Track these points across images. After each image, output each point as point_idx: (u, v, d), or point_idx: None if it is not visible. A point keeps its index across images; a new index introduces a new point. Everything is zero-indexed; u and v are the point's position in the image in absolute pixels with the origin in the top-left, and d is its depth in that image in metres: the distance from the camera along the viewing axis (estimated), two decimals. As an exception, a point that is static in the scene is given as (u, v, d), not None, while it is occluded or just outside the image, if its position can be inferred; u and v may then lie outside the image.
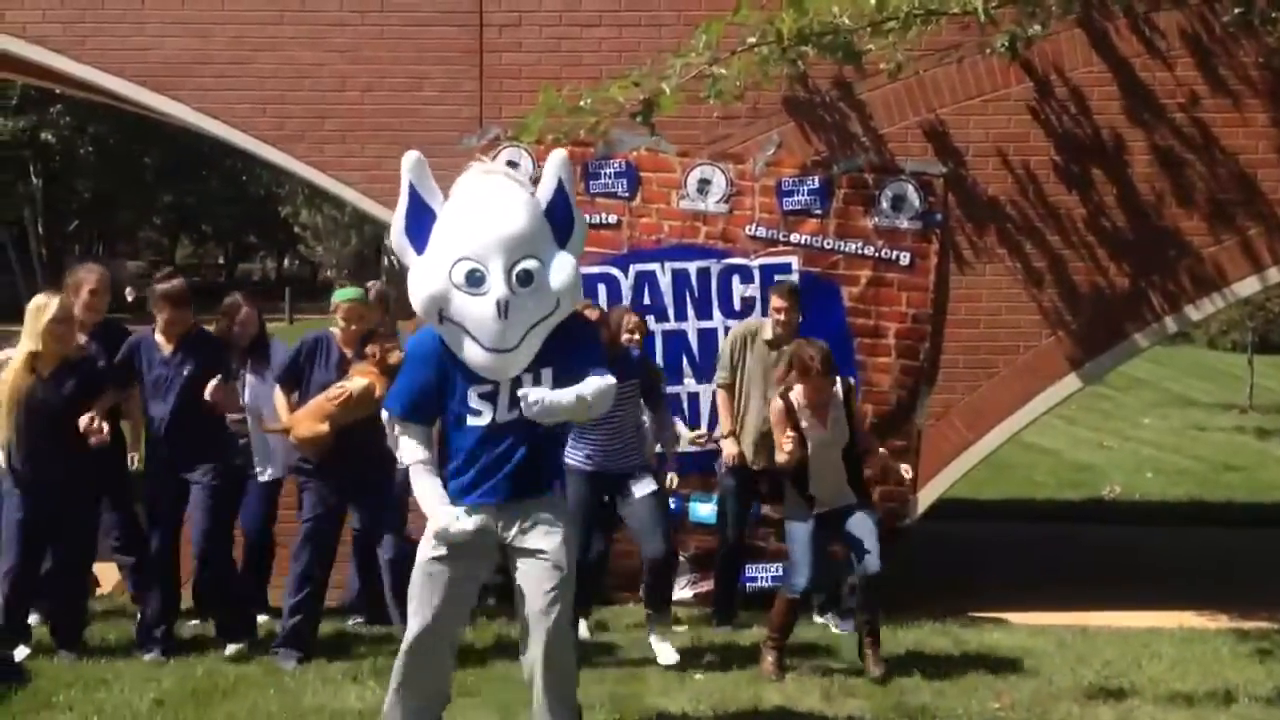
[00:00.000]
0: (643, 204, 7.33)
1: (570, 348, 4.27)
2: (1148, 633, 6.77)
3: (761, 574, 7.23)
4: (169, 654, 6.00)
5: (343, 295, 6.14)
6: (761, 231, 7.30)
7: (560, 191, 4.28)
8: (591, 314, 6.05)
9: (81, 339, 6.29)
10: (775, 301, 6.73)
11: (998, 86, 7.35)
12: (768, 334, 6.76)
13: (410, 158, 4.30)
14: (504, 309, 4.03)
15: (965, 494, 8.33)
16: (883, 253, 7.32)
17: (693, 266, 7.28)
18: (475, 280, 4.07)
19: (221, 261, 52.37)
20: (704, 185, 7.31)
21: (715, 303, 7.26)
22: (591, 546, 6.18)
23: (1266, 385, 20.82)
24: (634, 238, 7.31)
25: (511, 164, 7.33)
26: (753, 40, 5.05)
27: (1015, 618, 7.00)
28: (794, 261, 7.26)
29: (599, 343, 4.66)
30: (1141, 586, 7.88)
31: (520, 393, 4.12)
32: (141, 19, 7.49)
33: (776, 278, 7.10)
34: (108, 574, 7.50)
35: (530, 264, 4.10)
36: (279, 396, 6.09)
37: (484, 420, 4.24)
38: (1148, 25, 7.33)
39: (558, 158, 4.33)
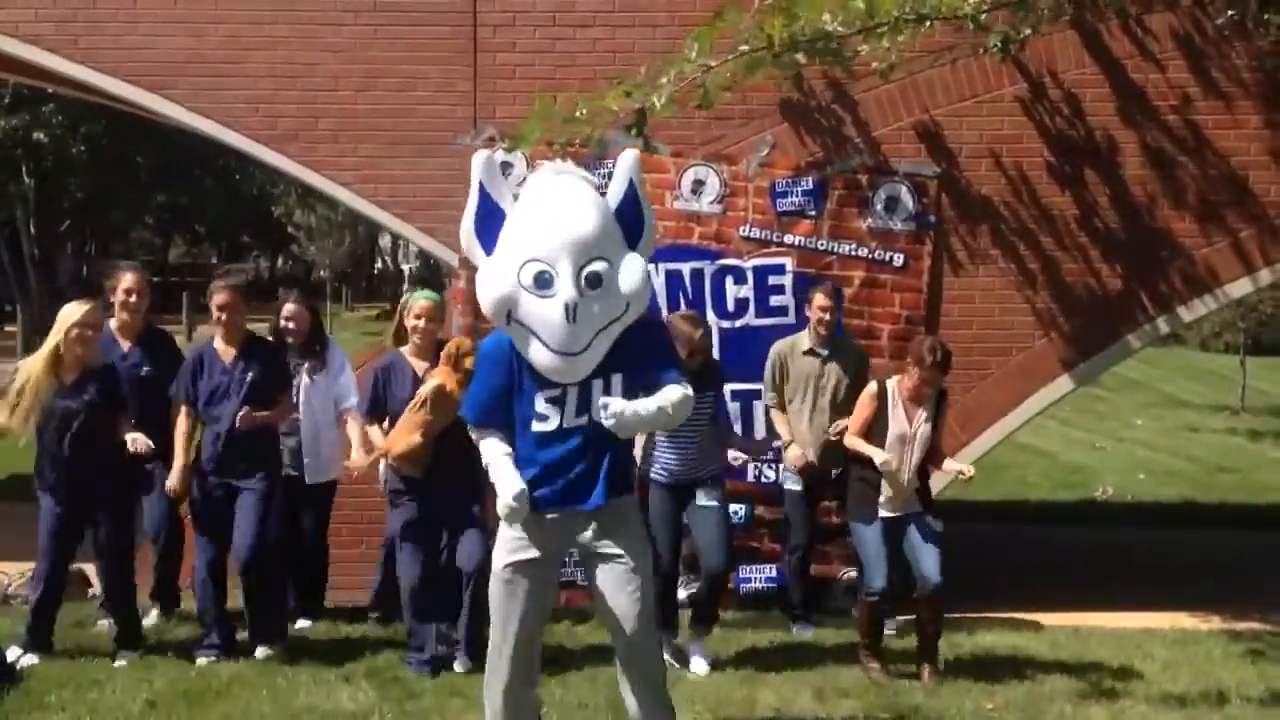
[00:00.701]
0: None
1: (642, 353, 4.18)
2: (1140, 633, 6.79)
3: (755, 575, 7.24)
4: (229, 653, 5.99)
5: (421, 296, 6.11)
6: (755, 232, 7.30)
7: (631, 192, 4.19)
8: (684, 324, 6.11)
9: (125, 345, 6.36)
10: (820, 300, 6.69)
11: (991, 88, 7.37)
12: (805, 344, 6.75)
13: (481, 157, 4.22)
14: (572, 312, 3.96)
15: (959, 495, 8.33)
16: (876, 254, 7.33)
17: (686, 267, 7.28)
18: (544, 282, 3.99)
19: (215, 261, 52.30)
20: (698, 186, 7.31)
21: (709, 304, 7.26)
22: (671, 557, 6.12)
23: (1259, 387, 20.88)
24: (628, 238, 7.30)
25: (505, 165, 7.36)
26: (745, 48, 5.04)
27: (1008, 618, 7.01)
28: (788, 263, 7.27)
29: (672, 348, 4.53)
30: (1134, 587, 7.90)
31: (601, 402, 4.04)
32: (134, 18, 7.48)
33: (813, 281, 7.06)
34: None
35: (599, 266, 4.02)
36: (371, 429, 6.08)
37: (550, 425, 4.15)
38: (1140, 27, 7.35)
39: (629, 158, 4.24)
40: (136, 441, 5.75)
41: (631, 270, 4.08)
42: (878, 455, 5.73)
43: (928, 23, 5.45)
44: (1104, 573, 8.53)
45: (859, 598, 6.04)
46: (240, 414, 5.86)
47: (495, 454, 4.20)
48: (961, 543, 6.81)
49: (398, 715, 5.29)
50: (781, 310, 7.24)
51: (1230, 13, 6.89)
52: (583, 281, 3.99)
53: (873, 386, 5.91)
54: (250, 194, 38.84)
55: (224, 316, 5.99)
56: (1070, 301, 7.36)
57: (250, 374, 5.95)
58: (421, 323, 5.97)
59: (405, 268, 42.71)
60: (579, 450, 4.15)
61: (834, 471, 6.55)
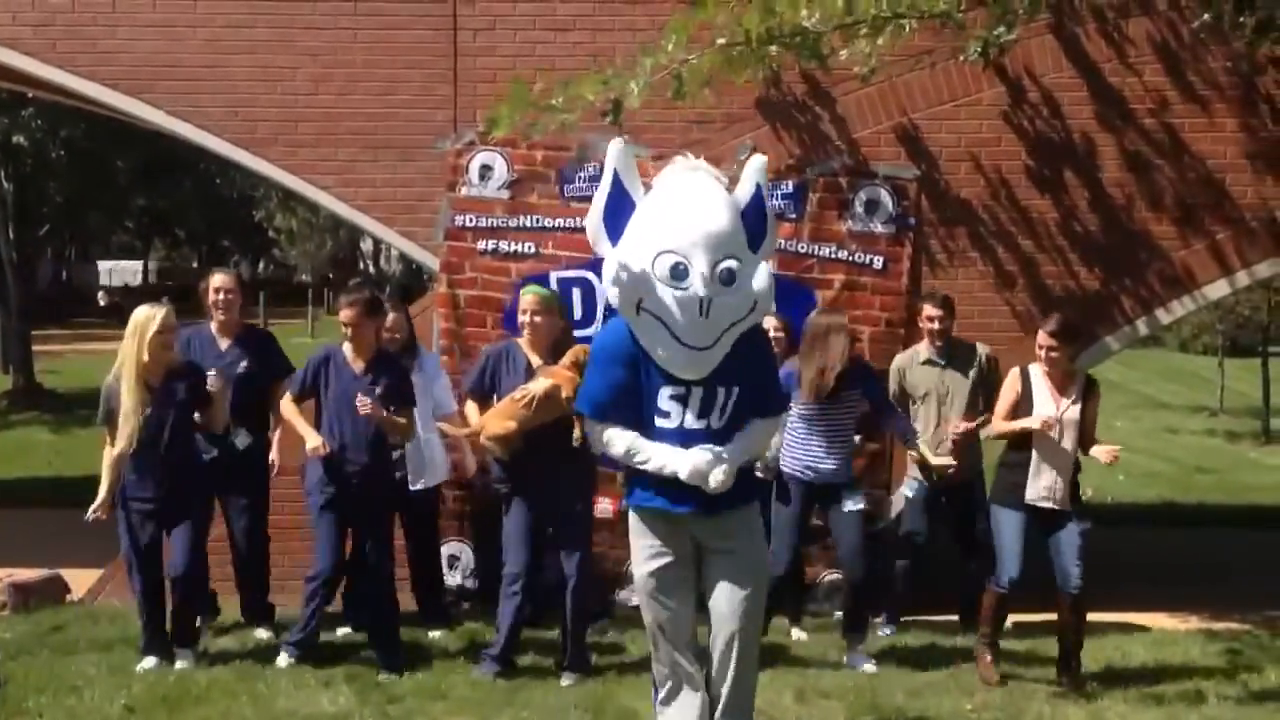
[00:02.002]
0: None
1: (756, 367, 4.19)
2: (1119, 634, 6.82)
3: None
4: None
5: (530, 290, 6.06)
6: (736, 235, 7.30)
7: (757, 196, 4.17)
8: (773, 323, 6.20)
9: (224, 344, 6.45)
10: (928, 310, 6.71)
11: (970, 91, 7.40)
12: (923, 355, 6.76)
13: (616, 145, 4.16)
14: (706, 307, 3.94)
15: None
16: (856, 256, 7.35)
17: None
18: (679, 274, 3.95)
19: (196, 265, 52.05)
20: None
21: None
22: (790, 556, 6.13)
23: (1237, 388, 21.02)
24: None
25: (485, 168, 7.36)
26: (722, 41, 5.06)
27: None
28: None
29: (774, 365, 4.54)
30: (1113, 588, 7.91)
31: (710, 486, 4.03)
32: (113, 22, 7.45)
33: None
34: (79, 580, 7.47)
35: (732, 263, 4.00)
36: (469, 406, 6.06)
37: (672, 423, 4.10)
38: (1117, 31, 7.40)
39: (757, 162, 4.23)
40: (214, 382, 5.86)
41: (760, 272, 4.07)
42: (1032, 420, 5.64)
43: (905, 23, 5.48)
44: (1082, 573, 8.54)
45: (987, 587, 5.89)
46: (368, 401, 5.76)
47: (630, 439, 4.13)
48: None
49: (379, 718, 5.28)
50: (762, 313, 7.24)
51: (1205, 16, 6.94)
52: (717, 277, 3.97)
53: (1015, 371, 5.88)
54: (231, 198, 38.67)
55: (349, 333, 5.91)
56: (1049, 303, 7.39)
57: (378, 388, 5.86)
58: (527, 317, 5.91)
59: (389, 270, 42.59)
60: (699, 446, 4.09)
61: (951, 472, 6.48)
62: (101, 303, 41.54)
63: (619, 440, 4.16)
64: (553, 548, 5.90)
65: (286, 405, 6.08)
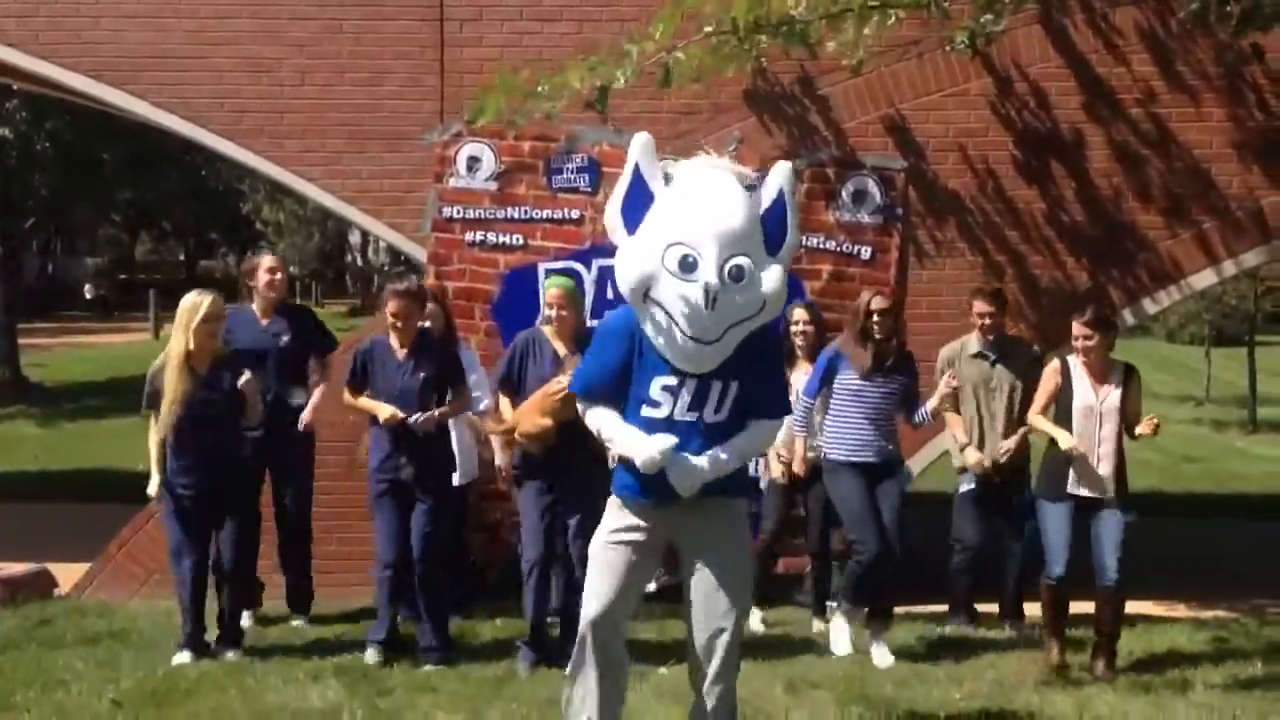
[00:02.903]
0: (605, 199, 7.30)
1: (760, 367, 4.17)
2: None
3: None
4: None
5: (555, 284, 6.04)
6: (724, 226, 7.30)
7: (780, 201, 4.16)
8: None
9: (264, 321, 6.53)
10: (979, 306, 6.59)
11: (957, 82, 7.41)
12: (974, 347, 6.66)
13: (640, 138, 4.19)
14: (713, 299, 3.94)
15: (926, 487, 8.37)
16: (844, 247, 7.35)
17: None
18: (688, 266, 3.97)
19: (183, 258, 51.91)
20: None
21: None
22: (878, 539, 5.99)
23: (1224, 377, 21.10)
24: (597, 233, 7.29)
25: (473, 160, 7.34)
26: (709, 29, 5.05)
27: (976, 609, 7.04)
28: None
29: (781, 368, 4.54)
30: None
31: (672, 478, 4.02)
32: (97, 12, 7.42)
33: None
34: (66, 574, 7.45)
35: (743, 261, 4.00)
36: (501, 400, 6.04)
37: (660, 413, 4.10)
38: (1105, 22, 7.41)
39: (784, 168, 4.21)
40: (247, 383, 5.85)
41: (773, 274, 4.07)
42: (1063, 439, 5.65)
43: (893, 12, 5.48)
44: (1070, 562, 8.57)
45: (1041, 582, 5.89)
46: (421, 418, 5.81)
47: (609, 419, 4.17)
48: (930, 533, 6.85)
49: (368, 712, 5.26)
50: (751, 304, 7.23)
51: (1193, 5, 6.95)
52: (726, 272, 3.98)
53: (1055, 363, 5.84)
54: (218, 190, 38.56)
55: (398, 324, 5.88)
56: (1036, 293, 7.42)
57: (421, 374, 5.85)
58: (554, 310, 5.91)
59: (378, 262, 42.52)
60: (684, 445, 4.07)
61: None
62: (87, 295, 41.40)
63: (598, 420, 4.21)
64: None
65: (347, 398, 6.06)
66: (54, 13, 7.41)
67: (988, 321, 6.58)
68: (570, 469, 5.74)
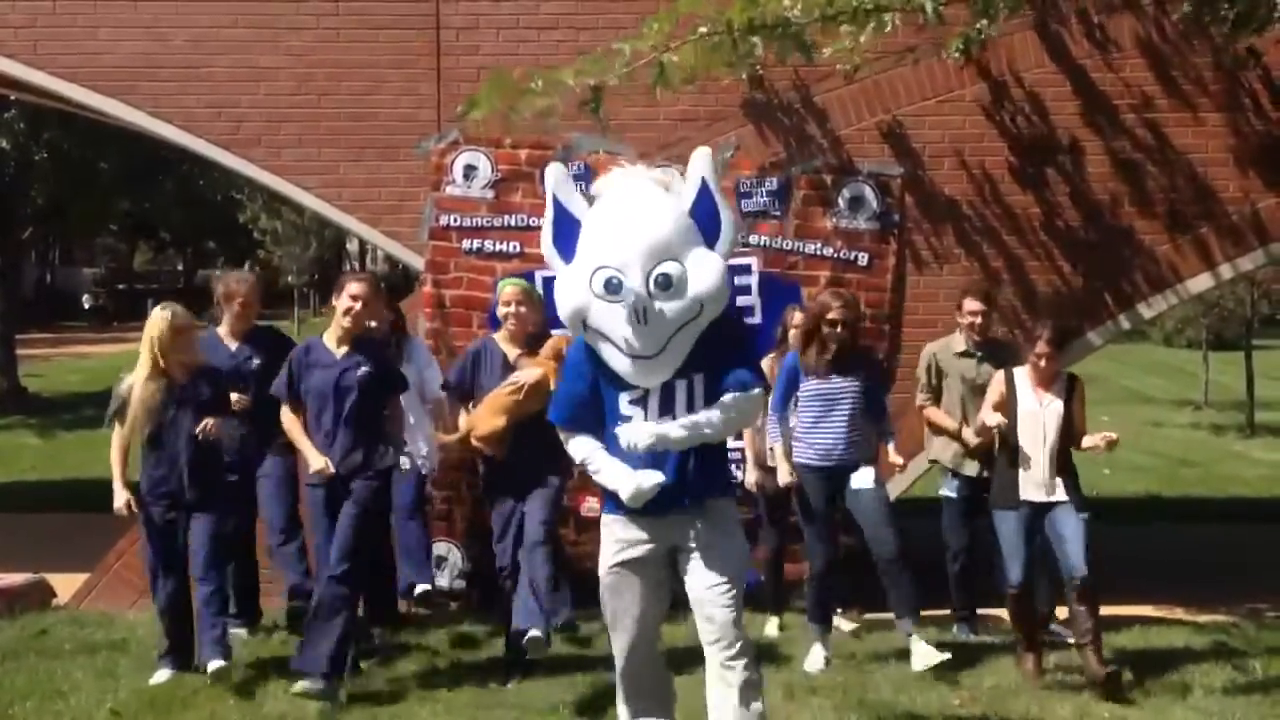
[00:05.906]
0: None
1: (721, 352, 4.14)
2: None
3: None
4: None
5: (510, 283, 6.09)
6: (720, 233, 7.31)
7: (704, 190, 4.13)
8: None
9: (233, 345, 6.42)
10: (969, 305, 6.57)
11: (953, 88, 7.42)
12: (959, 345, 6.65)
13: (553, 170, 4.24)
14: (641, 315, 3.95)
15: (925, 493, 8.37)
16: (841, 253, 7.36)
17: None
18: (613, 288, 3.98)
19: (180, 267, 51.89)
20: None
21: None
22: (827, 547, 6.00)
23: (1221, 381, 21.09)
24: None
25: (469, 168, 7.35)
26: (704, 30, 5.06)
27: (978, 613, 7.04)
28: (753, 262, 7.29)
29: (751, 347, 4.52)
30: (1099, 581, 7.94)
31: (623, 441, 4.04)
32: (95, 23, 7.43)
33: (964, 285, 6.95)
34: (65, 585, 7.44)
35: (669, 268, 3.98)
36: (452, 406, 6.07)
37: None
38: (1100, 28, 7.42)
39: (702, 156, 4.18)
40: (209, 427, 5.71)
41: (704, 270, 4.03)
42: (988, 418, 5.74)
43: (888, 17, 5.48)
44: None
45: (1005, 594, 5.88)
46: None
47: (589, 449, 4.21)
48: (927, 539, 6.85)
49: (366, 721, 5.27)
50: (748, 311, 7.25)
51: (1186, 7, 6.96)
52: (652, 284, 3.97)
53: (1000, 373, 5.90)
54: (215, 199, 38.55)
55: (355, 307, 5.71)
56: (1033, 299, 7.42)
57: (359, 371, 5.69)
58: (511, 308, 5.92)
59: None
60: (664, 453, 4.09)
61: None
62: (85, 305, 41.36)
63: (579, 449, 4.26)
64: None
65: (287, 418, 5.79)
66: (52, 23, 7.41)
67: (979, 320, 6.58)
68: (533, 466, 5.74)
